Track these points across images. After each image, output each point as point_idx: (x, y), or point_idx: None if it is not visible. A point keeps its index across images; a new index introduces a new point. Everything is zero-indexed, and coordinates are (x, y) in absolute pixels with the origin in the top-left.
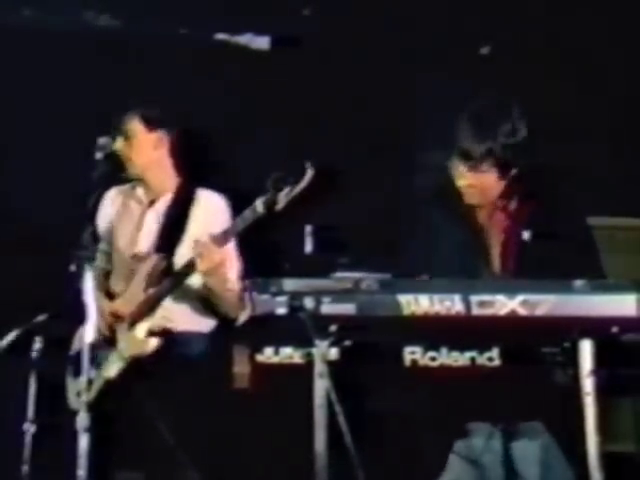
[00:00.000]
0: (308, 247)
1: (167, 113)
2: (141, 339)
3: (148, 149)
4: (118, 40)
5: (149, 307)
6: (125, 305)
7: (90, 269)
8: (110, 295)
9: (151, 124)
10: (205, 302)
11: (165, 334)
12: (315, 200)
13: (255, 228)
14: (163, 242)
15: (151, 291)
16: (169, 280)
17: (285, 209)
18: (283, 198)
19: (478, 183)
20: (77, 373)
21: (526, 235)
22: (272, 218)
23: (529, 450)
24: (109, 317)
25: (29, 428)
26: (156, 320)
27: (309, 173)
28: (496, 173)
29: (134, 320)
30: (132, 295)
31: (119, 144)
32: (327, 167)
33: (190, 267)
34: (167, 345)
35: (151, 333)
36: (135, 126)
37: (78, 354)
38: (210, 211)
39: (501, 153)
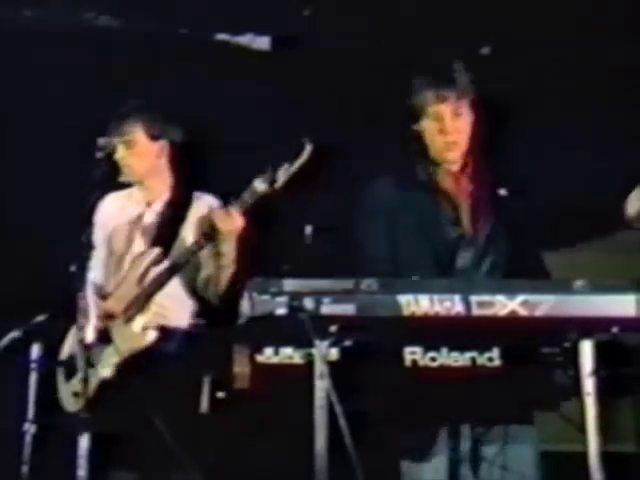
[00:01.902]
0: (307, 247)
1: (170, 122)
2: (137, 333)
3: (150, 158)
4: (118, 40)
5: (145, 300)
6: (117, 303)
7: (89, 270)
8: (103, 297)
9: (155, 134)
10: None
11: (162, 329)
12: (314, 196)
13: (258, 227)
14: (159, 242)
15: (146, 283)
16: (165, 271)
17: (285, 186)
18: (282, 175)
19: (459, 127)
20: (70, 375)
21: (502, 192)
22: (272, 198)
23: (525, 454)
24: (102, 317)
25: (29, 428)
26: (150, 315)
27: (307, 148)
28: (470, 117)
29: (129, 315)
30: (125, 292)
31: (120, 152)
32: (325, 144)
33: (197, 244)
34: (164, 342)
35: (147, 328)
36: (138, 135)
37: (71, 357)
38: (204, 212)
39: (472, 94)
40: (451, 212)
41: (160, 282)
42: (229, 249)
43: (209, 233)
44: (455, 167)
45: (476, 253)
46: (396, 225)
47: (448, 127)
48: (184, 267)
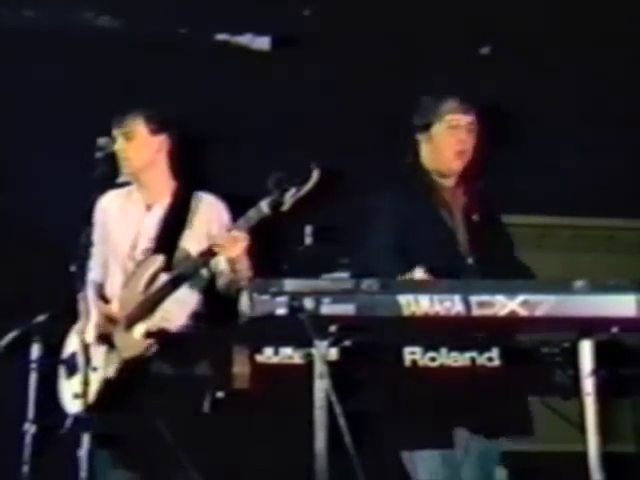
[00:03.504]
0: (308, 247)
1: (170, 117)
2: (138, 340)
3: (150, 151)
4: (118, 40)
5: (149, 308)
6: (120, 308)
7: (89, 270)
8: (105, 298)
9: (155, 128)
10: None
11: (162, 334)
12: (316, 200)
13: (257, 229)
14: (162, 246)
15: (152, 292)
16: (169, 282)
17: (290, 210)
18: (289, 199)
19: (470, 141)
20: (72, 375)
21: (475, 217)
22: (275, 218)
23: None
24: (104, 320)
25: (29, 428)
26: (155, 321)
27: (315, 174)
28: (477, 135)
29: (131, 321)
30: (129, 297)
31: (119, 144)
32: (331, 168)
33: (203, 259)
34: (166, 345)
35: (148, 334)
36: (138, 127)
37: (73, 356)
38: (209, 214)
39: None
40: (449, 224)
41: (165, 292)
42: (243, 266)
43: (214, 250)
44: (450, 182)
45: (471, 269)
46: (404, 227)
47: (464, 137)
48: (188, 279)
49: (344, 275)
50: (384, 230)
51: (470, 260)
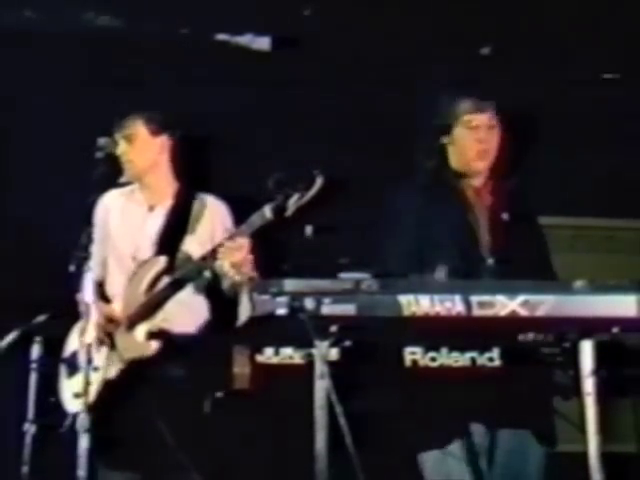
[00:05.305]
0: (308, 247)
1: (170, 118)
2: (141, 342)
3: (152, 152)
4: (118, 40)
5: (151, 309)
6: (123, 308)
7: (88, 270)
8: (105, 298)
9: (155, 129)
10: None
11: (164, 335)
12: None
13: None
14: (164, 247)
15: (154, 293)
16: (171, 285)
17: (293, 215)
18: (292, 205)
19: (492, 139)
20: (72, 374)
21: (505, 216)
22: (278, 223)
23: (532, 454)
24: (105, 320)
25: (29, 428)
26: (156, 322)
27: (319, 181)
28: (500, 132)
29: (133, 322)
30: (130, 298)
31: (121, 147)
32: (335, 176)
33: (204, 262)
34: (167, 346)
35: (150, 335)
36: (139, 129)
37: (74, 355)
38: (213, 217)
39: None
40: (471, 224)
41: (166, 294)
42: (247, 269)
43: (216, 254)
44: (477, 182)
45: (490, 270)
46: (422, 228)
47: (483, 136)
48: (190, 282)
49: (365, 275)
50: (402, 232)
51: (490, 261)
